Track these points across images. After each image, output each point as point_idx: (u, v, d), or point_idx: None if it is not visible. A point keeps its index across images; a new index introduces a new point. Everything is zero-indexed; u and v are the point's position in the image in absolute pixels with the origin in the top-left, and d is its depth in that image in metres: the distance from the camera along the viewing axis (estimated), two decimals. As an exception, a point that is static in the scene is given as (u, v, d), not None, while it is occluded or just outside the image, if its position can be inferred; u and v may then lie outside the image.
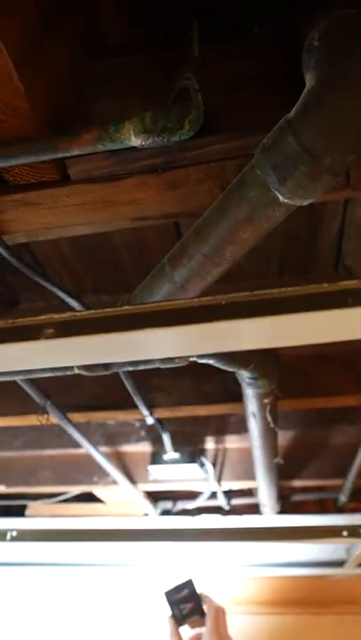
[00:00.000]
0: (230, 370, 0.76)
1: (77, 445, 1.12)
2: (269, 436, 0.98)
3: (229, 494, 1.50)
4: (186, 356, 0.64)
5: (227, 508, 1.53)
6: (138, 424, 1.37)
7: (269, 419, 0.90)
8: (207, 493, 1.46)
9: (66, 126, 0.56)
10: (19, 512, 1.67)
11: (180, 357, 0.64)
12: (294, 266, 1.02)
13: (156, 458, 1.32)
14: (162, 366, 0.66)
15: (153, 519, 1.53)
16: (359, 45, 0.43)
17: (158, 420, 1.14)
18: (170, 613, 1.14)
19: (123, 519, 1.50)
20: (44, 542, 1.50)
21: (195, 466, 1.30)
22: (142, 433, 1.36)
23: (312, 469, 1.36)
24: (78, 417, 1.12)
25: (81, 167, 0.58)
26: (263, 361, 0.78)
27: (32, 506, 1.66)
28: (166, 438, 1.21)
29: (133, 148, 0.53)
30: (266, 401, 0.86)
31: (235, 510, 1.52)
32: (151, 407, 1.08)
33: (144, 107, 0.51)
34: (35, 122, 0.53)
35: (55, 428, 1.11)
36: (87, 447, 1.10)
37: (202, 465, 1.33)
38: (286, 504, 1.51)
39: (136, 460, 1.38)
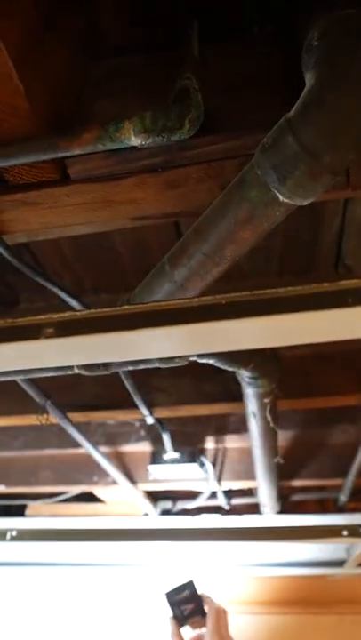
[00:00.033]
0: (230, 369, 0.76)
1: (77, 445, 1.12)
2: (269, 435, 0.98)
3: (229, 494, 1.50)
4: (186, 356, 0.64)
5: (227, 507, 1.53)
6: (138, 424, 1.37)
7: (269, 418, 0.90)
8: (207, 493, 1.46)
9: (66, 126, 0.56)
10: (19, 512, 1.67)
11: (179, 357, 0.64)
12: (294, 265, 1.02)
13: (156, 457, 1.32)
14: (162, 366, 0.66)
15: (153, 519, 1.53)
16: (359, 45, 0.43)
17: (158, 420, 1.14)
18: (171, 614, 1.14)
19: (123, 519, 1.50)
20: (44, 542, 1.50)
21: (195, 465, 1.30)
22: (142, 433, 1.36)
23: (312, 469, 1.36)
24: (78, 417, 1.12)
25: (81, 167, 0.58)
26: (263, 361, 0.78)
27: (32, 506, 1.66)
28: (166, 438, 1.21)
29: (133, 148, 0.53)
30: (266, 400, 0.86)
31: (235, 510, 1.52)
32: (151, 407, 1.08)
33: (144, 106, 0.51)
34: (35, 121, 0.53)
35: (55, 427, 1.11)
36: (87, 447, 1.10)
37: (202, 465, 1.33)
38: (286, 504, 1.51)
39: (136, 460, 1.38)
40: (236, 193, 0.49)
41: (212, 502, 1.50)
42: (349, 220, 0.90)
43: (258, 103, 0.57)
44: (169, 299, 0.54)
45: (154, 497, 1.54)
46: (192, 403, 1.10)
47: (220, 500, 1.48)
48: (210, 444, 1.36)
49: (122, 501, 1.54)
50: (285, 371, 0.89)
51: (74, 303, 0.74)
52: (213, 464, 1.36)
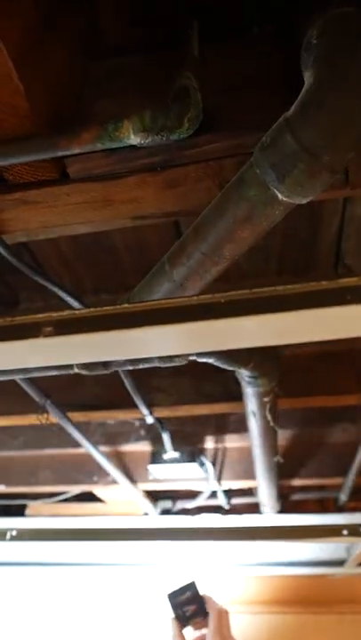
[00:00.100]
0: (230, 369, 0.76)
1: (77, 445, 1.12)
2: (269, 434, 0.98)
3: (229, 493, 1.50)
4: (185, 355, 0.64)
5: (227, 507, 1.53)
6: (138, 423, 1.37)
7: (269, 417, 0.90)
8: (207, 493, 1.46)
9: (66, 125, 0.56)
10: (18, 511, 1.67)
11: (179, 356, 0.64)
12: (294, 265, 1.02)
13: (155, 457, 1.32)
14: (162, 365, 0.66)
15: (153, 518, 1.53)
16: (357, 43, 0.44)
17: (158, 420, 1.14)
18: (173, 615, 1.15)
19: (123, 518, 1.50)
20: (44, 542, 1.50)
21: (195, 465, 1.30)
22: (142, 432, 1.36)
23: (312, 468, 1.36)
24: (78, 416, 1.12)
25: (80, 166, 0.58)
26: (263, 360, 0.78)
27: (32, 505, 1.66)
28: (166, 437, 1.21)
29: (133, 147, 0.53)
30: (266, 399, 0.86)
31: (235, 509, 1.52)
32: (151, 406, 1.09)
33: (144, 106, 0.51)
34: (34, 121, 0.53)
35: (55, 427, 1.11)
36: (87, 446, 1.10)
37: (202, 464, 1.33)
38: (286, 503, 1.51)
39: (136, 460, 1.38)
40: (235, 192, 0.49)
41: (212, 502, 1.50)
42: (349, 220, 0.90)
43: (257, 103, 0.57)
44: (168, 297, 0.54)
45: (154, 496, 1.54)
46: (192, 402, 1.10)
47: (220, 500, 1.48)
48: (210, 443, 1.37)
49: (122, 501, 1.54)
50: (285, 369, 0.90)
51: (74, 303, 0.74)
52: (213, 463, 1.36)
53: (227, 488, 1.45)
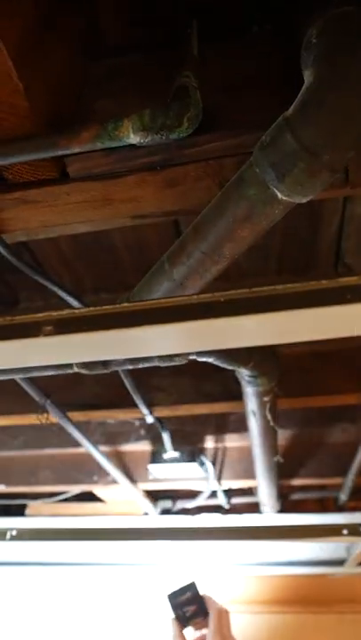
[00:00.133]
0: (230, 368, 0.76)
1: (77, 444, 1.12)
2: (269, 434, 0.98)
3: (229, 493, 1.50)
4: (185, 354, 0.64)
5: (227, 506, 1.53)
6: (138, 423, 1.37)
7: (269, 417, 0.90)
8: (207, 492, 1.46)
9: (66, 125, 0.56)
10: (18, 511, 1.67)
11: (179, 355, 0.64)
12: (293, 264, 1.02)
13: (155, 457, 1.32)
14: (161, 365, 0.66)
15: (153, 518, 1.53)
16: (357, 42, 0.44)
17: (158, 419, 1.14)
18: (173, 615, 1.15)
19: (123, 518, 1.50)
20: (44, 541, 1.50)
21: (195, 465, 1.30)
22: (142, 432, 1.36)
23: (312, 468, 1.36)
24: (78, 416, 1.12)
25: (80, 165, 0.58)
26: (263, 359, 0.78)
27: (32, 505, 1.66)
28: (166, 437, 1.21)
29: (133, 146, 0.53)
30: (266, 399, 0.86)
31: (235, 509, 1.52)
32: (151, 406, 1.09)
33: (144, 106, 0.51)
34: (34, 120, 0.53)
35: (55, 427, 1.11)
36: (87, 446, 1.10)
37: (202, 464, 1.33)
38: (286, 503, 1.51)
39: (136, 459, 1.38)
40: (235, 191, 0.49)
41: (212, 501, 1.50)
42: (349, 219, 0.90)
43: (257, 102, 0.57)
44: (168, 296, 0.54)
45: (154, 496, 1.54)
46: (192, 402, 1.10)
47: (220, 500, 1.48)
48: (210, 443, 1.37)
49: (122, 501, 1.54)
50: (285, 369, 0.90)
51: (73, 302, 0.74)
52: (213, 463, 1.36)
53: (227, 488, 1.45)
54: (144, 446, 1.35)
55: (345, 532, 1.33)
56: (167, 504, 1.56)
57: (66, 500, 1.54)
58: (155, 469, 1.32)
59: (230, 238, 0.51)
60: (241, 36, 0.66)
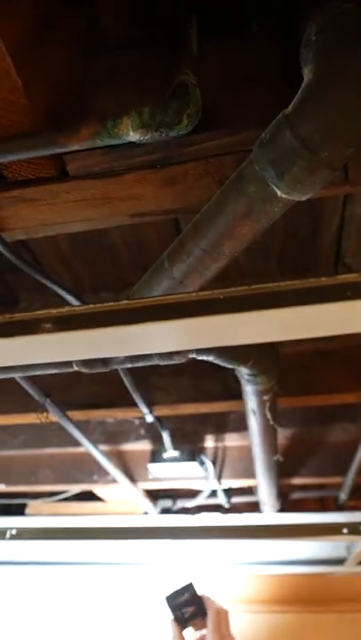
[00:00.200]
0: (229, 367, 0.76)
1: (77, 444, 1.12)
2: (269, 433, 0.98)
3: (229, 492, 1.50)
4: (184, 352, 0.64)
5: (227, 506, 1.53)
6: (137, 422, 1.37)
7: (269, 416, 0.90)
8: (207, 491, 1.46)
9: (65, 123, 0.56)
10: (18, 511, 1.67)
11: (178, 354, 0.64)
12: (294, 264, 1.02)
13: (155, 456, 1.32)
14: (161, 363, 0.66)
15: (153, 517, 1.53)
16: (356, 40, 0.43)
17: (158, 418, 1.14)
18: (172, 617, 1.15)
19: (123, 517, 1.50)
20: (44, 541, 1.50)
21: (194, 464, 1.30)
22: (142, 431, 1.36)
23: (312, 467, 1.36)
24: (78, 415, 1.12)
25: (80, 163, 0.58)
26: (262, 357, 0.78)
27: (32, 504, 1.66)
28: (166, 436, 1.21)
29: (132, 144, 0.53)
30: (265, 398, 0.86)
31: (235, 508, 1.52)
32: (151, 405, 1.09)
33: (143, 103, 0.51)
34: (33, 118, 0.53)
35: (55, 426, 1.11)
36: (87, 445, 1.10)
37: (202, 463, 1.33)
38: (286, 502, 1.51)
39: (136, 459, 1.38)
40: (235, 189, 0.49)
41: (212, 501, 1.50)
42: (349, 219, 0.90)
43: (257, 99, 0.57)
44: (167, 294, 0.54)
45: (154, 495, 1.54)
46: (192, 401, 1.10)
47: (220, 499, 1.48)
48: (210, 442, 1.37)
49: (122, 500, 1.54)
50: (285, 368, 0.90)
51: (73, 301, 0.74)
52: (213, 462, 1.36)
53: (227, 487, 1.45)
54: (144, 445, 1.35)
55: (345, 530, 1.33)
56: (167, 503, 1.57)
57: (66, 499, 1.54)
58: (155, 468, 1.32)
59: (230, 236, 0.51)
60: (240, 33, 0.66)
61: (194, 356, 0.66)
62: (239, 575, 1.79)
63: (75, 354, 0.45)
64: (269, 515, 1.42)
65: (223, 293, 0.39)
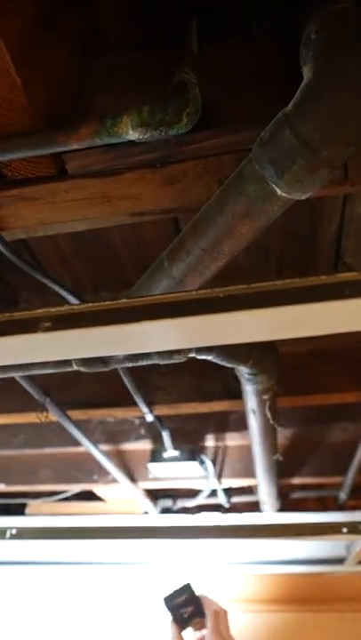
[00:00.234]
0: (229, 366, 0.76)
1: (77, 443, 1.12)
2: (269, 432, 0.98)
3: (229, 492, 1.50)
4: (184, 351, 0.64)
5: (227, 505, 1.53)
6: (137, 421, 1.37)
7: (269, 415, 0.90)
8: (207, 491, 1.46)
9: (65, 122, 0.56)
10: (18, 510, 1.67)
11: (178, 353, 0.64)
12: (293, 263, 1.02)
13: (155, 456, 1.32)
14: (161, 362, 0.66)
15: (153, 517, 1.53)
16: (355, 39, 0.43)
17: (158, 418, 1.14)
18: (171, 618, 1.14)
19: (123, 517, 1.50)
20: (44, 540, 1.50)
21: (195, 463, 1.30)
22: (142, 431, 1.36)
23: (312, 467, 1.36)
24: (78, 414, 1.12)
25: (79, 162, 0.58)
26: (262, 357, 0.78)
27: (32, 504, 1.66)
28: (166, 436, 1.21)
29: (132, 143, 0.53)
30: (265, 397, 0.86)
31: (235, 508, 1.52)
32: (151, 405, 1.09)
33: (143, 102, 0.51)
34: (33, 117, 0.53)
35: (55, 425, 1.11)
36: (87, 445, 1.09)
37: (202, 462, 1.33)
38: (286, 502, 1.51)
39: (136, 458, 1.38)
40: (234, 188, 0.49)
41: (212, 500, 1.50)
42: (348, 219, 0.90)
43: (256, 98, 0.57)
44: (167, 292, 0.54)
45: (154, 495, 1.54)
46: (192, 400, 1.10)
47: (220, 498, 1.48)
48: (210, 441, 1.37)
49: (122, 500, 1.54)
50: (285, 368, 0.90)
51: (73, 300, 0.74)
52: (213, 462, 1.36)
53: (227, 486, 1.45)
54: (144, 445, 1.35)
55: (345, 530, 1.33)
56: (167, 503, 1.57)
57: (66, 498, 1.54)
58: (155, 468, 1.32)
59: (230, 235, 0.51)
60: (240, 32, 0.66)
61: (194, 355, 0.66)
62: (239, 575, 1.79)
63: (74, 353, 0.44)
64: (269, 514, 1.42)
65: (223, 292, 0.38)
